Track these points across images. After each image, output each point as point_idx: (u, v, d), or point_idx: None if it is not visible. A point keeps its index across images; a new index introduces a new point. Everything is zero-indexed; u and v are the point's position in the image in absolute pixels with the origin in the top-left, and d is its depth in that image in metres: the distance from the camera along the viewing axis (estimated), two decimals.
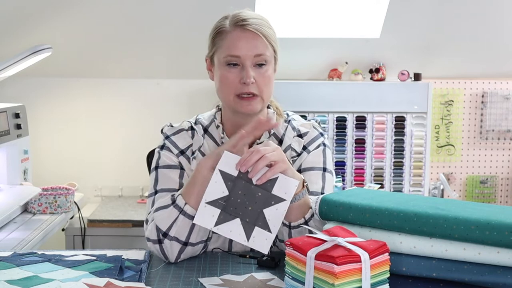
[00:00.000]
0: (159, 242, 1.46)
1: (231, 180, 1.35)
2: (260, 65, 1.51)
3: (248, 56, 1.49)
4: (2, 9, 3.09)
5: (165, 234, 1.46)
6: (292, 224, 1.45)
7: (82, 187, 3.30)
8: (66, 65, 3.53)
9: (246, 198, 1.34)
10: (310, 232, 1.26)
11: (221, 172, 1.35)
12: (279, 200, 1.34)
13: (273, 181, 1.35)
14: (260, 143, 1.58)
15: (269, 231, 1.32)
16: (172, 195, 1.49)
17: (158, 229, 1.46)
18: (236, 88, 1.50)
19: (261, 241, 1.32)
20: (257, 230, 1.32)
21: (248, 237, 1.32)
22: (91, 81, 3.68)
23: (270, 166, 1.35)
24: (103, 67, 3.62)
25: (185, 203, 1.44)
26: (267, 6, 3.40)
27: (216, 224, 1.33)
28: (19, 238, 2.24)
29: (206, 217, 1.33)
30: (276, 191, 1.34)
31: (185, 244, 1.46)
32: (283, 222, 1.44)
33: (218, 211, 1.34)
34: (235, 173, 1.35)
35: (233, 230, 1.32)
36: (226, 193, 1.34)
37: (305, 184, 1.43)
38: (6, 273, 1.32)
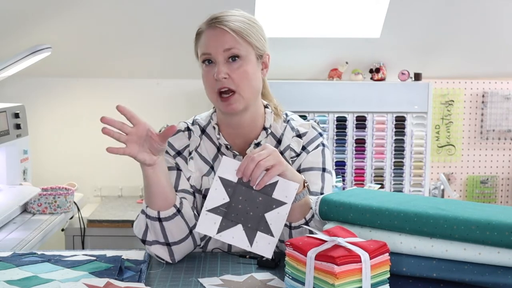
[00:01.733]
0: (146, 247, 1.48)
1: (231, 186, 1.35)
2: (234, 60, 1.49)
3: (219, 52, 1.48)
4: (2, 9, 3.08)
5: (144, 241, 1.48)
6: (293, 224, 1.44)
7: (81, 187, 3.30)
8: (66, 65, 3.52)
9: (247, 204, 1.33)
10: (311, 232, 1.26)
11: (221, 179, 1.35)
12: (280, 203, 1.33)
13: (273, 185, 1.34)
14: (258, 143, 1.57)
15: (272, 235, 1.32)
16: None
17: (137, 236, 1.49)
18: (213, 85, 1.50)
19: (264, 246, 1.31)
20: (259, 235, 1.32)
21: (251, 242, 1.32)
22: (91, 81, 3.68)
23: (268, 169, 1.34)
24: (103, 67, 3.61)
25: (146, 206, 1.46)
26: (267, 6, 3.39)
27: (219, 231, 1.33)
28: (19, 238, 2.23)
29: (208, 224, 1.33)
30: (276, 195, 1.34)
31: (168, 244, 1.46)
32: None
33: (219, 218, 1.33)
34: (235, 179, 1.35)
35: (236, 236, 1.32)
36: (227, 199, 1.34)
37: (306, 184, 1.42)
38: (6, 273, 1.32)
